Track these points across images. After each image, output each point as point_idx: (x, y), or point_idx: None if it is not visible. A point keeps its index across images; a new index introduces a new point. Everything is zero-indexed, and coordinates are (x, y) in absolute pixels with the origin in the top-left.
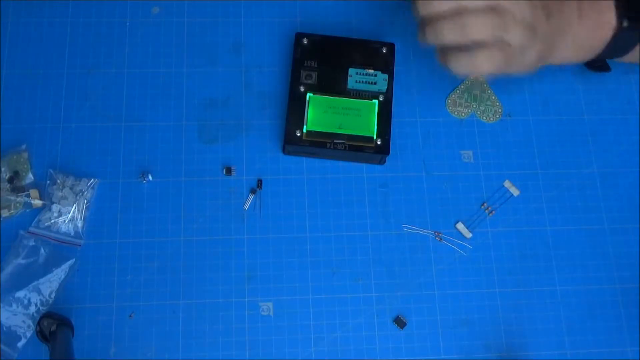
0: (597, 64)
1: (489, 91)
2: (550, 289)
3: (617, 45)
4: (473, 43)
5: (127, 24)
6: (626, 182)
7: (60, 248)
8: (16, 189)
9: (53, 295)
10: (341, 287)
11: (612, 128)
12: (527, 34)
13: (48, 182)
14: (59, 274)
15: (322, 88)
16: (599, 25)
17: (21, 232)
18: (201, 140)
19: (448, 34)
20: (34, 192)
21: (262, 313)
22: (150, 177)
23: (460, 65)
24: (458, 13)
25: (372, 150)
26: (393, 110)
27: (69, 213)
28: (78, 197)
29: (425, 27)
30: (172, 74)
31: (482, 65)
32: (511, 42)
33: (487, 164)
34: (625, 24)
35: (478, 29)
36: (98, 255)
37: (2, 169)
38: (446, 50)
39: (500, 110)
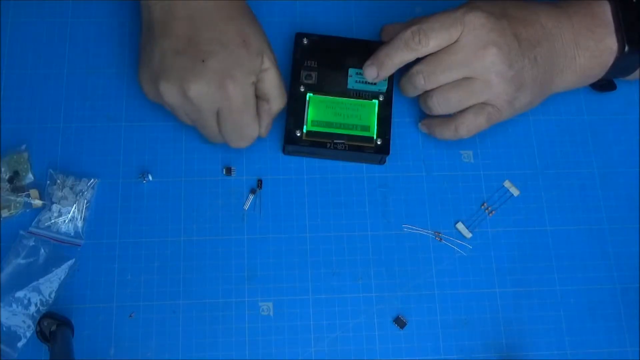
0: (602, 83)
1: None
2: (550, 289)
3: (620, 68)
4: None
5: (127, 24)
6: (626, 182)
7: (60, 248)
8: (16, 189)
9: (53, 295)
10: (341, 287)
11: (612, 128)
12: (507, 90)
13: (48, 182)
14: (59, 274)
15: (322, 88)
16: (599, 52)
17: (21, 232)
18: (201, 140)
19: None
20: (34, 192)
21: (262, 313)
22: (150, 177)
23: (445, 136)
24: (427, 91)
25: (372, 150)
26: (393, 110)
27: (69, 213)
28: (78, 197)
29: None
30: None
31: (463, 132)
32: (491, 102)
33: (487, 164)
34: (626, 48)
35: (443, 105)
36: (98, 255)
37: (2, 169)
38: (432, 122)
39: None
